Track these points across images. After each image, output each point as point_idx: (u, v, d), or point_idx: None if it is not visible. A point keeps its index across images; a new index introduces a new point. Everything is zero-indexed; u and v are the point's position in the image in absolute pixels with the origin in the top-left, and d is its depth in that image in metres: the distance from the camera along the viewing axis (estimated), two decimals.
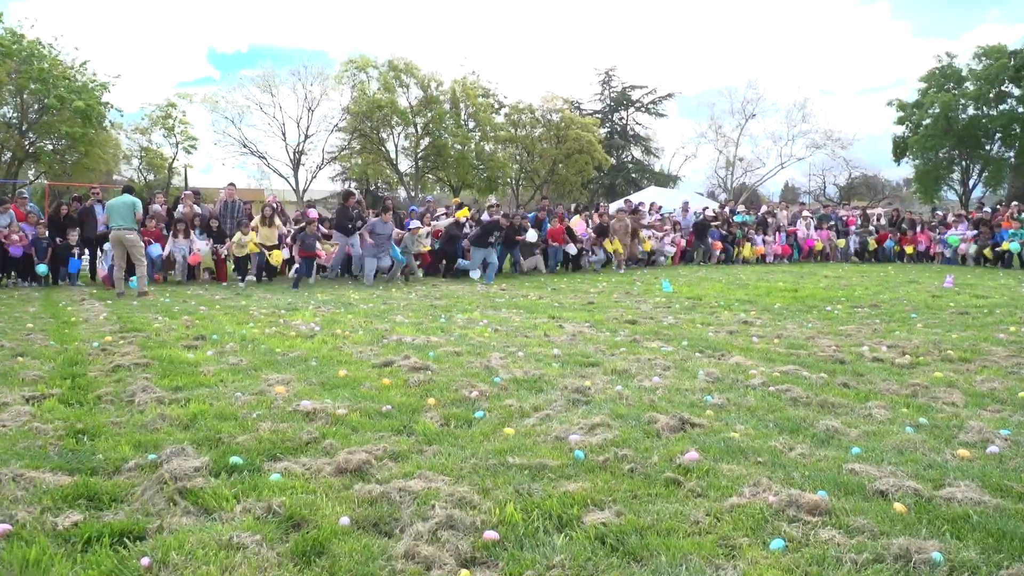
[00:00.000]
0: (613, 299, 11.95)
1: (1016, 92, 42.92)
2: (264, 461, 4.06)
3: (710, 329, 8.74)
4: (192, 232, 15.34)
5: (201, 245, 15.22)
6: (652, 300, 11.83)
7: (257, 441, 4.35)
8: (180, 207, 16.10)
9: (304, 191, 44.21)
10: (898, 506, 3.42)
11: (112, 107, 35.51)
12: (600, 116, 55.12)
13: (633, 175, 56.12)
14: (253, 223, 15.64)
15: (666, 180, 55.03)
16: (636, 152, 57.90)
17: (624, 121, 57.75)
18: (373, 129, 41.98)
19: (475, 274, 15.65)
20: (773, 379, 6.00)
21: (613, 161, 51.50)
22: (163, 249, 14.87)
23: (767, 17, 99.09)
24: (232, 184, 17.56)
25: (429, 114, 42.10)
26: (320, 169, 45.79)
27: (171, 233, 15.23)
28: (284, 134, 43.94)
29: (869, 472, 3.84)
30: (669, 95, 57.08)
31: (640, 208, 21.83)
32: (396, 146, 43.91)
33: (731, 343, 7.74)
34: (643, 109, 57.49)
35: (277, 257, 15.50)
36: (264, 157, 44.49)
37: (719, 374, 6.17)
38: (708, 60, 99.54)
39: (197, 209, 16.10)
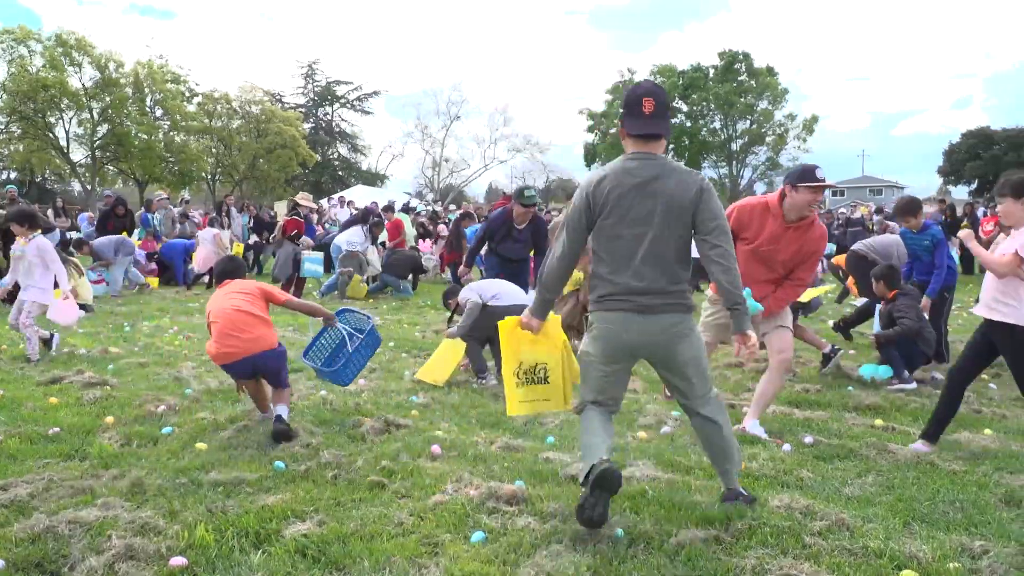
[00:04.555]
0: (326, 299, 11.65)
1: (685, 108, 49.50)
2: None
3: (417, 329, 8.85)
4: None
5: None
6: (359, 302, 11.72)
7: None
8: None
9: None
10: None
11: None
12: (304, 111, 53.87)
13: (340, 172, 55.64)
14: None
15: (374, 178, 55.21)
16: (342, 149, 57.51)
17: (329, 117, 57.05)
18: (37, 112, 36.83)
19: None
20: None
21: (318, 158, 50.55)
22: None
23: (476, 20, 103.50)
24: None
25: (108, 98, 37.96)
26: None
27: None
28: None
29: (562, 459, 4.12)
30: (375, 93, 57.49)
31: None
32: (67, 132, 38.98)
33: (438, 341, 7.86)
34: (349, 106, 57.24)
35: None
36: None
37: None
38: (417, 60, 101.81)
39: None
